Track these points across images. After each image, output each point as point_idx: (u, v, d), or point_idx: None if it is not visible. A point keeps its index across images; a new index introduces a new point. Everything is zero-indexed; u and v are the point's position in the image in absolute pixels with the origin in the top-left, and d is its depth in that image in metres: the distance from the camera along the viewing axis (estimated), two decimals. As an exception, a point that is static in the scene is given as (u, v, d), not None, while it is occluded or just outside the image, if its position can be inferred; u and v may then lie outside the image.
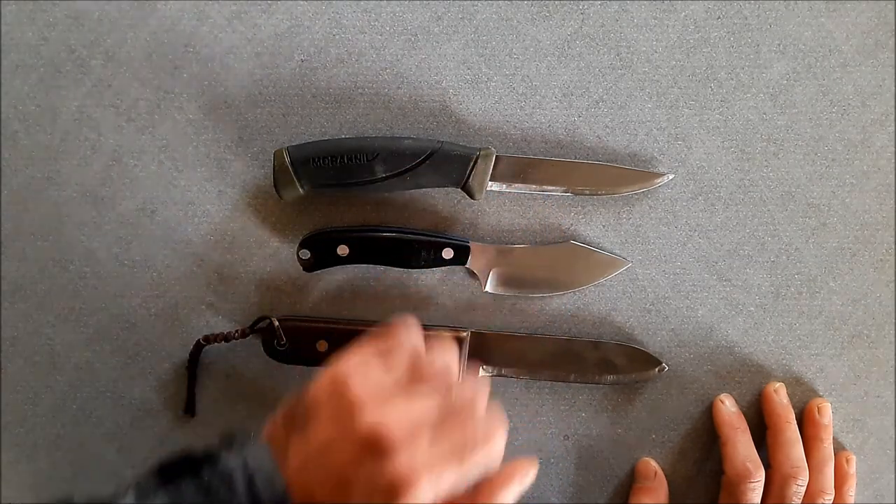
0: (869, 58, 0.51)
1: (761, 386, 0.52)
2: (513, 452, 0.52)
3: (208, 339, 0.49)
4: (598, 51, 0.50)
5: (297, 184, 0.47)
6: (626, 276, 0.51)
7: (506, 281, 0.50)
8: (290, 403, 0.39)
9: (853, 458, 0.52)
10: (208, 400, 0.51)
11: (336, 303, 0.51)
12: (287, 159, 0.47)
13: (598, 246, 0.51)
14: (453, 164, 0.47)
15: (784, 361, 0.52)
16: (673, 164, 0.51)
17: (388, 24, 0.49)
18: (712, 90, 0.51)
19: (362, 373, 0.37)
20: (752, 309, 0.52)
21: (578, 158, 0.50)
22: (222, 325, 0.51)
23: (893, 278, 0.52)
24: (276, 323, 0.49)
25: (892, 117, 0.51)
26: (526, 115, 0.50)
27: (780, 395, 0.51)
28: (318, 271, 0.50)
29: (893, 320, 0.52)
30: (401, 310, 0.51)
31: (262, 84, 0.50)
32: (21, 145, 0.49)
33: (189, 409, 0.51)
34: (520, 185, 0.49)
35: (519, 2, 0.49)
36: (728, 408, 0.51)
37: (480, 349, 0.50)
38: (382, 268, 0.51)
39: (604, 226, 0.51)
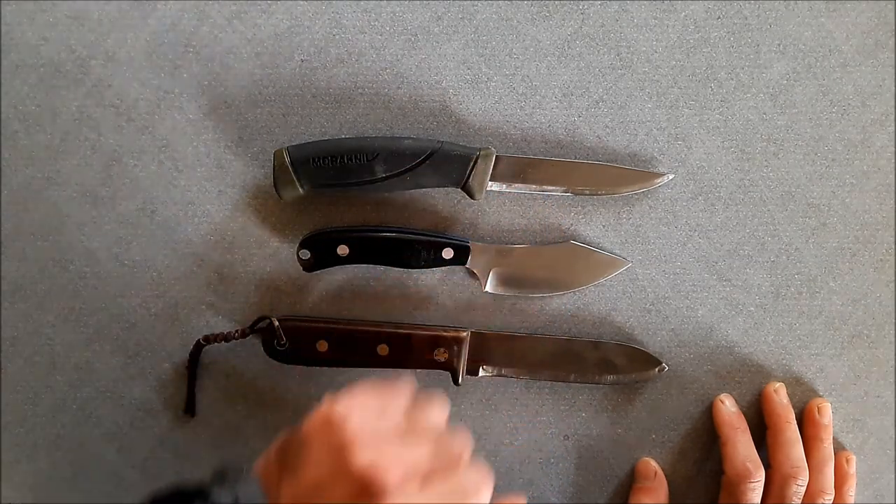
0: (869, 58, 0.51)
1: (761, 386, 0.52)
2: (513, 452, 0.52)
3: (208, 339, 0.50)
4: (598, 51, 0.50)
5: (297, 184, 0.47)
6: (626, 276, 0.51)
7: (506, 281, 0.50)
8: (283, 439, 0.39)
9: (853, 458, 0.52)
10: (208, 400, 0.51)
11: (336, 303, 0.51)
12: (287, 159, 0.47)
13: (598, 246, 0.51)
14: (453, 164, 0.47)
15: (784, 361, 0.52)
16: (673, 164, 0.51)
17: (388, 24, 0.49)
18: (712, 90, 0.51)
19: (359, 414, 0.37)
20: (752, 309, 0.52)
21: (578, 158, 0.50)
22: (222, 325, 0.51)
23: (893, 278, 0.52)
24: (276, 323, 0.49)
25: (892, 117, 0.51)
26: (526, 115, 0.50)
27: (780, 395, 0.51)
28: (318, 271, 0.50)
29: (893, 320, 0.52)
30: (401, 310, 0.51)
31: (262, 84, 0.50)
32: (21, 145, 0.49)
33: (189, 409, 0.51)
34: (520, 185, 0.49)
35: (519, 2, 0.49)
36: (728, 408, 0.51)
37: (480, 349, 0.50)
38: (382, 268, 0.51)
39: (604, 226, 0.51)
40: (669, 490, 0.52)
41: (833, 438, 0.51)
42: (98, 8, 0.49)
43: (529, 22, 0.50)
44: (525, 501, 0.40)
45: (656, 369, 0.51)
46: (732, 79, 0.50)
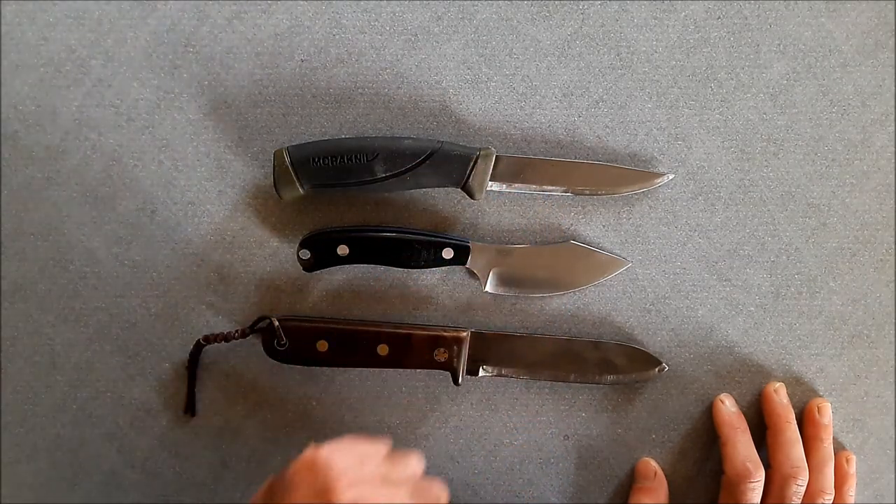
0: (869, 58, 0.51)
1: (761, 386, 0.52)
2: (513, 452, 0.52)
3: (208, 339, 0.50)
4: (598, 51, 0.50)
5: (297, 184, 0.47)
6: (626, 276, 0.51)
7: (506, 281, 0.50)
8: (270, 482, 0.41)
9: (853, 458, 0.52)
10: (208, 400, 0.51)
11: (336, 303, 0.51)
12: (287, 159, 0.47)
13: (598, 246, 0.51)
14: (453, 164, 0.47)
15: (784, 361, 0.52)
16: (673, 164, 0.51)
17: (388, 24, 0.49)
18: (712, 90, 0.51)
19: (342, 458, 0.39)
20: (752, 309, 0.52)
21: (578, 158, 0.50)
22: (222, 325, 0.51)
23: (893, 278, 0.52)
24: (276, 323, 0.49)
25: (892, 117, 0.51)
26: (526, 115, 0.50)
27: (780, 395, 0.51)
28: (318, 271, 0.50)
29: (893, 320, 0.52)
30: (401, 310, 0.51)
31: (262, 84, 0.50)
32: (21, 145, 0.49)
33: (189, 409, 0.51)
34: (520, 185, 0.49)
35: (519, 2, 0.49)
36: (728, 408, 0.51)
37: (480, 349, 0.50)
38: (382, 268, 0.51)
39: (604, 226, 0.51)
40: (669, 490, 0.52)
41: (833, 438, 0.51)
42: (98, 8, 0.49)
43: (529, 22, 0.50)
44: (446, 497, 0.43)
45: (656, 369, 0.51)
46: (732, 79, 0.50)
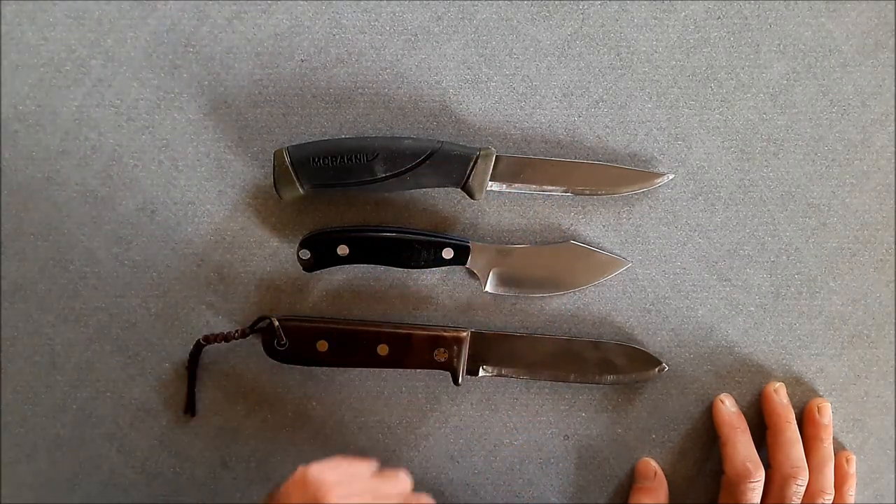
0: (869, 58, 0.51)
1: (761, 386, 0.52)
2: (512, 452, 0.52)
3: (208, 339, 0.49)
4: (598, 51, 0.50)
5: (297, 184, 0.47)
6: (626, 276, 0.51)
7: (506, 281, 0.50)
8: (264, 501, 0.42)
9: (853, 458, 0.52)
10: (208, 400, 0.51)
11: (336, 303, 0.51)
12: (287, 159, 0.47)
13: (598, 246, 0.51)
14: (453, 164, 0.47)
15: (784, 361, 0.52)
16: (673, 164, 0.51)
17: (388, 24, 0.49)
18: (712, 90, 0.51)
19: (333, 475, 0.41)
20: (752, 309, 0.52)
21: (578, 158, 0.50)
22: (222, 325, 0.51)
23: (893, 278, 0.52)
24: (276, 323, 0.49)
25: (892, 117, 0.51)
26: (526, 115, 0.50)
27: (780, 395, 0.51)
28: (318, 271, 0.50)
29: (893, 320, 0.52)
30: (401, 310, 0.51)
31: (262, 84, 0.50)
32: (21, 145, 0.49)
33: (189, 409, 0.51)
34: (520, 185, 0.49)
35: (519, 2, 0.49)
36: (728, 408, 0.51)
37: (480, 349, 0.50)
38: (382, 268, 0.51)
39: (604, 226, 0.51)
40: (669, 490, 0.52)
41: (833, 438, 0.51)
42: (98, 8, 0.49)
43: (529, 22, 0.50)
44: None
45: (656, 369, 0.51)
46: (732, 79, 0.50)
